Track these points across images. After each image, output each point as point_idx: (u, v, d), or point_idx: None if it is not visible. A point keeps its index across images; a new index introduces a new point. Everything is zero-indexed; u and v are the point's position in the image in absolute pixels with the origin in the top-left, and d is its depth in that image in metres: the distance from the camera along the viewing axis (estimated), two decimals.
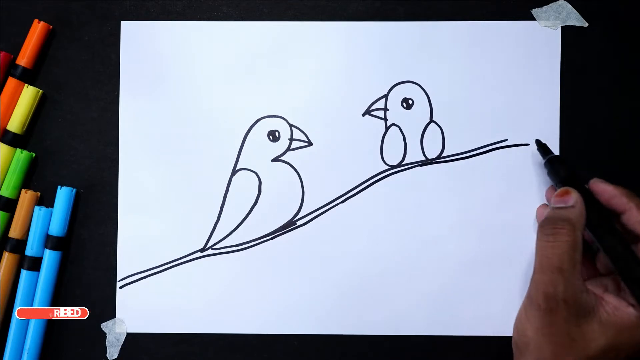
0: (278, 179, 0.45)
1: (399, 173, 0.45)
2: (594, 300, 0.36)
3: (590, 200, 0.39)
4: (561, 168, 0.41)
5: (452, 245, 0.44)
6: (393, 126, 0.45)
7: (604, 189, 0.39)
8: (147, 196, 0.45)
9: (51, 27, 0.45)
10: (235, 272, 0.44)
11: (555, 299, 0.35)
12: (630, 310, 0.35)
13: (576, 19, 0.45)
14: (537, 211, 0.43)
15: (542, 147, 0.43)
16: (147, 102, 0.45)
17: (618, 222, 0.39)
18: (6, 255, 0.43)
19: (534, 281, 0.37)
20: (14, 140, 0.44)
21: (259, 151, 0.45)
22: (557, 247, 0.36)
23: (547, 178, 0.43)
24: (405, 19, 0.45)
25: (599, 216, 0.38)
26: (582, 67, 0.45)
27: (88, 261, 0.45)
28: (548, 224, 0.37)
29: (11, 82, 0.44)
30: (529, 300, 0.37)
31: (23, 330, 0.43)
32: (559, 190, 0.39)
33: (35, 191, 0.44)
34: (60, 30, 0.45)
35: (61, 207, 0.44)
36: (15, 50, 0.44)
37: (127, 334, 0.44)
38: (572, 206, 0.38)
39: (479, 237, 0.44)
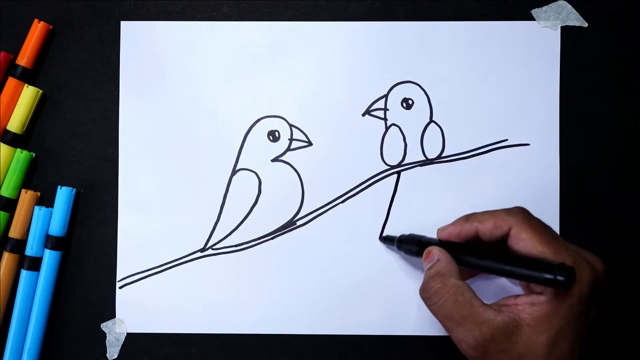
0: (278, 179, 0.45)
1: (399, 173, 0.45)
2: (512, 312, 0.36)
3: (452, 246, 0.39)
4: (412, 240, 0.41)
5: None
6: (393, 126, 0.45)
7: (450, 232, 0.39)
8: (147, 196, 0.45)
9: (51, 27, 0.45)
10: (235, 272, 0.44)
11: (480, 345, 0.35)
12: (542, 298, 0.35)
13: (576, 19, 0.45)
14: None
15: (386, 239, 0.44)
16: (147, 102, 0.45)
17: (481, 243, 0.39)
18: (6, 255, 0.43)
19: (455, 341, 0.37)
20: (14, 140, 0.44)
21: (259, 151, 0.45)
22: (445, 302, 0.36)
23: (547, 179, 0.44)
24: (405, 19, 0.45)
25: (469, 252, 0.38)
26: (582, 67, 0.45)
27: (88, 261, 0.45)
28: (425, 290, 0.38)
29: (11, 82, 0.44)
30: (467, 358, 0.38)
31: (23, 330, 0.43)
32: (423, 255, 0.39)
33: (35, 191, 0.44)
34: (60, 30, 0.45)
35: (61, 207, 0.44)
36: (15, 50, 0.44)
37: (127, 334, 0.44)
38: (438, 260, 0.38)
39: None
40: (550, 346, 0.35)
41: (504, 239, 0.38)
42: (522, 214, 0.37)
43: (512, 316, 0.36)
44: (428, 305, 0.38)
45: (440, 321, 0.37)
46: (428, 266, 0.39)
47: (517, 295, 0.37)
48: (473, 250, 0.38)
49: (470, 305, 0.36)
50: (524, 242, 0.36)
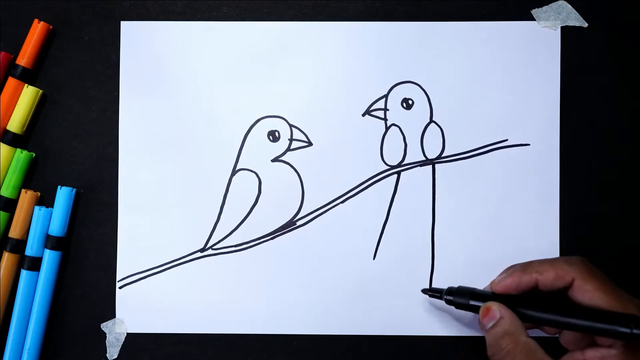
0: (278, 179, 0.45)
1: (399, 173, 0.45)
2: None
3: (510, 299, 0.38)
4: (464, 292, 0.39)
5: (451, 245, 0.44)
6: (393, 126, 0.45)
7: (506, 286, 0.38)
8: (147, 196, 0.45)
9: (51, 27, 0.45)
10: (235, 272, 0.44)
11: None
12: (613, 351, 0.35)
13: (576, 19, 0.45)
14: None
15: (433, 291, 0.42)
16: (147, 102, 0.45)
17: (539, 293, 0.38)
18: (6, 255, 0.43)
19: None
20: (14, 140, 0.44)
21: (259, 151, 0.45)
22: None
23: (547, 179, 0.44)
24: (405, 19, 0.45)
25: (532, 306, 0.37)
26: (582, 67, 0.45)
27: (88, 261, 0.45)
28: (495, 352, 0.36)
29: (11, 82, 0.44)
30: None
31: (23, 330, 0.43)
32: (480, 312, 0.38)
33: (35, 191, 0.44)
34: (60, 30, 0.45)
35: (61, 207, 0.44)
36: (15, 50, 0.44)
37: (127, 334, 0.44)
38: (501, 317, 0.37)
39: (478, 237, 0.44)
40: None
41: (564, 289, 0.37)
42: (584, 265, 0.37)
43: None
44: None
45: None
46: (490, 324, 0.37)
47: (584, 350, 0.36)
48: (535, 304, 0.37)
49: None
50: (590, 293, 0.35)
